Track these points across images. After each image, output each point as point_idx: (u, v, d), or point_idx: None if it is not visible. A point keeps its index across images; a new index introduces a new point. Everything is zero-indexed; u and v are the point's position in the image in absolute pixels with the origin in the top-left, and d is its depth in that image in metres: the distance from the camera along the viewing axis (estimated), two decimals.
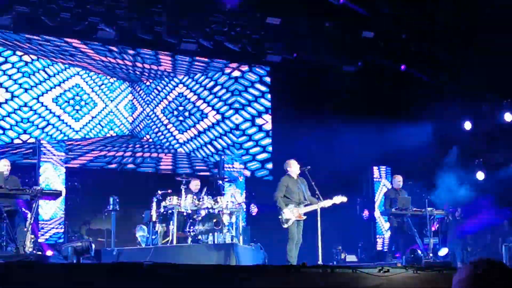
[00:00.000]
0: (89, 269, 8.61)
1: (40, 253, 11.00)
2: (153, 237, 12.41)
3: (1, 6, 13.24)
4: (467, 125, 16.45)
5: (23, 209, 11.30)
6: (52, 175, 13.92)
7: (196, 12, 14.39)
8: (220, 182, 14.02)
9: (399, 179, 13.53)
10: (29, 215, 11.06)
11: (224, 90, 16.85)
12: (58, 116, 15.39)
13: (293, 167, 11.36)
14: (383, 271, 9.18)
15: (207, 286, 8.28)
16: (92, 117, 16.00)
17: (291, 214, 10.98)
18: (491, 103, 16.18)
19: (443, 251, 13.59)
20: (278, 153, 16.14)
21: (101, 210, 13.70)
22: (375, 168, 16.92)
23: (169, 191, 12.67)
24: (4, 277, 7.66)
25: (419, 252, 12.07)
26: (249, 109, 16.90)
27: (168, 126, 16.74)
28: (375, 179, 16.95)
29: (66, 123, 15.51)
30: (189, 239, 12.03)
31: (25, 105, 14.87)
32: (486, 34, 14.32)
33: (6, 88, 14.64)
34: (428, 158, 15.84)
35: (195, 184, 13.17)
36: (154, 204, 12.48)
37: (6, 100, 14.60)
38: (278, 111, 16.88)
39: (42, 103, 15.16)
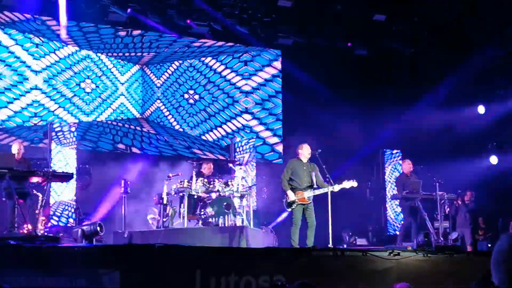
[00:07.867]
0: (101, 251, 8.65)
1: (51, 235, 11.04)
2: (164, 219, 12.45)
3: None
4: (481, 109, 16.34)
5: (35, 191, 11.34)
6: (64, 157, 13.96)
7: None
8: (231, 165, 13.99)
9: (409, 163, 13.46)
10: (40, 197, 11.11)
11: (234, 74, 16.83)
12: (69, 99, 15.42)
13: (303, 151, 11.27)
14: (393, 254, 9.19)
15: (217, 267, 8.31)
16: (103, 100, 16.03)
17: (294, 197, 10.91)
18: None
19: (455, 235, 13.59)
20: (288, 136, 16.12)
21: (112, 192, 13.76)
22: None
23: (180, 174, 12.69)
24: (15, 258, 7.72)
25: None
26: (260, 92, 16.87)
27: (179, 110, 16.75)
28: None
29: (78, 106, 15.57)
30: (200, 222, 12.05)
31: (36, 87, 14.89)
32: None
33: (16, 70, 14.66)
34: (441, 142, 15.78)
35: (208, 167, 13.13)
36: (165, 187, 12.51)
37: (17, 82, 14.63)
38: (288, 95, 16.81)
39: (53, 86, 15.18)
